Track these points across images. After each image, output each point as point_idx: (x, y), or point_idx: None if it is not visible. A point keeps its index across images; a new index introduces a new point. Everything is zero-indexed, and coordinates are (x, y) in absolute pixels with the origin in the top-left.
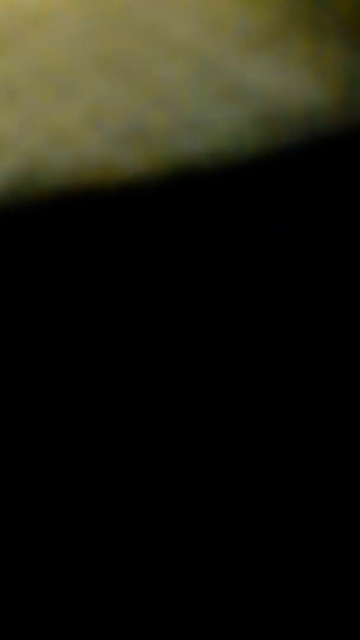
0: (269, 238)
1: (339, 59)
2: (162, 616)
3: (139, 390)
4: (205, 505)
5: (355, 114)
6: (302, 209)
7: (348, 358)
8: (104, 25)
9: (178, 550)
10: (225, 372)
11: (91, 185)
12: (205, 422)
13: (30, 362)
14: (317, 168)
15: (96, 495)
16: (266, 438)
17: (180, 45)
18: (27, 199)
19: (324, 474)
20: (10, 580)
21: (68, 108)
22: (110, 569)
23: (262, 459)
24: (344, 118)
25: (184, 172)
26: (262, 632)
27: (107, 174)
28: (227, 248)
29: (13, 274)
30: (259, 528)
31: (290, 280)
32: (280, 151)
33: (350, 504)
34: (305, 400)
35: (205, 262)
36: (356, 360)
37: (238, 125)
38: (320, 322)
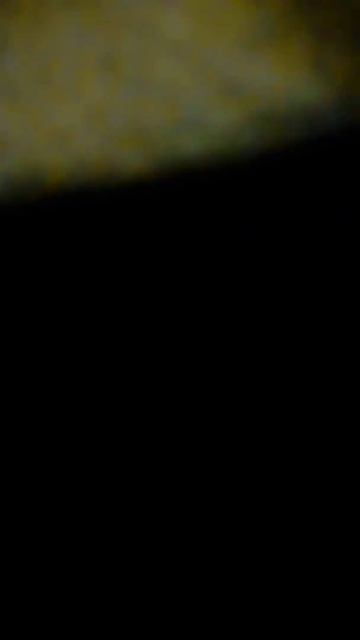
0: (268, 238)
1: (339, 59)
2: (162, 616)
3: (139, 389)
4: (205, 503)
5: (356, 114)
6: (302, 208)
7: (348, 357)
8: (104, 25)
9: (178, 549)
10: (226, 372)
11: (91, 185)
12: (204, 419)
13: (30, 361)
14: (317, 168)
15: (96, 492)
16: (265, 436)
17: (180, 45)
18: (27, 199)
19: (324, 473)
20: (10, 579)
21: (68, 108)
22: (110, 567)
23: (262, 456)
24: (344, 118)
25: (184, 172)
26: (262, 632)
27: (107, 174)
28: (226, 248)
29: (14, 272)
30: (259, 528)
31: (290, 280)
32: (280, 151)
33: (350, 504)
34: (305, 399)
35: (205, 261)
36: (356, 360)
37: (238, 125)
38: (320, 321)
